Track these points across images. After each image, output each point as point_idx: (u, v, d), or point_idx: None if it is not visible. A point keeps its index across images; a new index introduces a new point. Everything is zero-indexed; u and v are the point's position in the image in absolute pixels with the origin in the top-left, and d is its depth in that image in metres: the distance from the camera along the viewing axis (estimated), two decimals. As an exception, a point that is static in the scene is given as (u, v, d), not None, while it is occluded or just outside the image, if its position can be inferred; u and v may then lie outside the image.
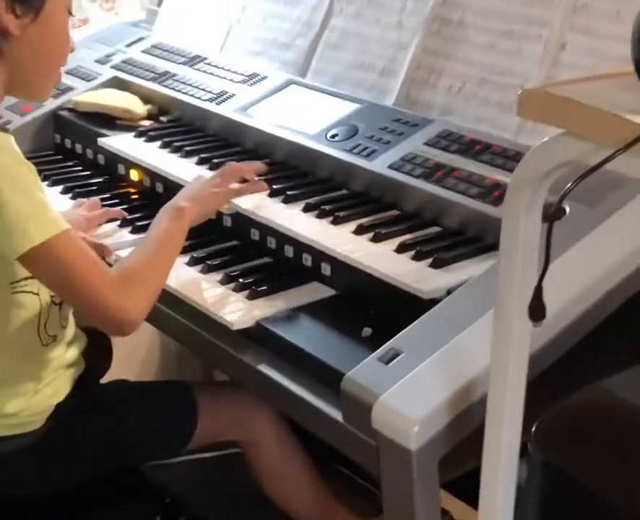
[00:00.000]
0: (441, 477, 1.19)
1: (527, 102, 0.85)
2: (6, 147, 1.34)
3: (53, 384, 1.49)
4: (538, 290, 0.90)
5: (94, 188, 1.94)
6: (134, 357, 2.20)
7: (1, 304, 1.43)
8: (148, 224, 1.71)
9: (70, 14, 1.44)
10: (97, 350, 1.70)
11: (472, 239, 1.47)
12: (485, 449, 1.02)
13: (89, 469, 1.53)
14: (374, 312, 1.41)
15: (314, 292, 1.51)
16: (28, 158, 2.06)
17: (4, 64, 1.37)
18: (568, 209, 1.39)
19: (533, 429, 0.97)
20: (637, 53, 0.81)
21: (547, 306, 0.92)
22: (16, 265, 1.39)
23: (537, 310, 0.91)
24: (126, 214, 1.77)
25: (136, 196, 1.91)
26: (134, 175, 1.92)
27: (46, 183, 1.96)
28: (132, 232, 1.73)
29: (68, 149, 2.13)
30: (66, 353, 1.52)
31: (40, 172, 1.98)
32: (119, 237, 1.72)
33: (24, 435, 1.47)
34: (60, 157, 2.13)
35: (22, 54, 1.37)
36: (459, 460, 1.20)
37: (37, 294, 1.46)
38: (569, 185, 0.81)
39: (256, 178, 1.67)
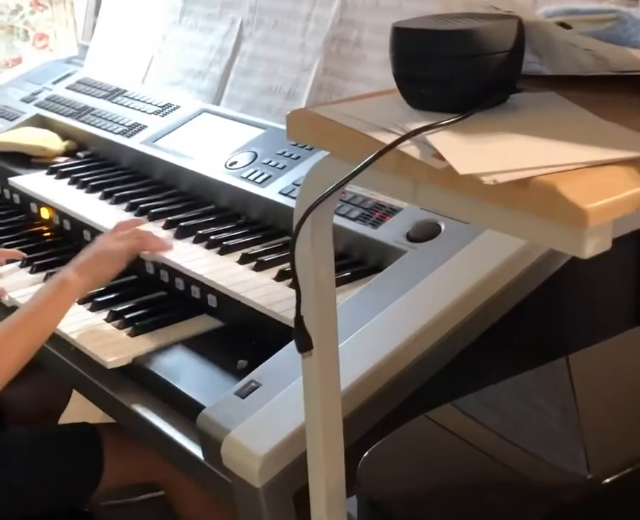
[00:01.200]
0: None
1: (294, 123, 0.82)
2: None
3: None
4: (298, 319, 0.86)
5: (7, 227, 1.92)
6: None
7: None
8: (48, 263, 1.71)
9: None
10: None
11: (356, 263, 1.43)
12: (310, 490, 0.98)
13: None
14: (255, 343, 1.38)
15: (202, 324, 1.48)
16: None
17: None
18: (443, 227, 1.35)
19: (359, 465, 0.93)
20: (394, 68, 0.77)
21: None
22: None
23: (300, 341, 0.87)
24: (23, 254, 1.74)
25: (47, 234, 1.89)
26: (45, 213, 1.90)
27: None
28: (31, 271, 1.70)
29: (-12, 190, 2.11)
30: None
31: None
32: (17, 277, 1.69)
33: None
34: (-23, 198, 2.11)
35: None
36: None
37: None
38: (312, 203, 0.77)
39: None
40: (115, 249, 1.52)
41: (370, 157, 0.69)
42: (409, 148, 0.68)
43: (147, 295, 1.58)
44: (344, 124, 0.75)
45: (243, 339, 1.41)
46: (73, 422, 1.69)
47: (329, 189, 0.74)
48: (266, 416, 1.13)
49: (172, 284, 1.57)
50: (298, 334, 0.87)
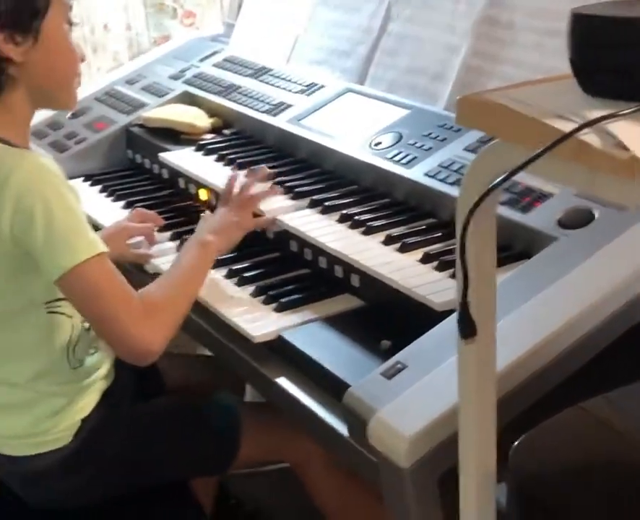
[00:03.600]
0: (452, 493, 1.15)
1: (464, 109, 0.81)
2: (50, 169, 1.38)
3: (79, 401, 1.50)
4: (464, 306, 0.85)
5: (157, 201, 1.97)
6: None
7: (34, 323, 1.45)
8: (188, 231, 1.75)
9: (70, 24, 1.47)
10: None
11: (502, 248, 1.41)
12: (460, 470, 0.98)
13: (124, 484, 1.55)
14: (398, 324, 1.38)
15: (344, 303, 1.49)
16: (101, 174, 2.16)
17: (20, 87, 1.42)
18: (597, 214, 1.33)
19: (510, 452, 0.92)
20: (572, 54, 0.76)
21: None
22: (53, 285, 1.43)
23: (465, 327, 0.87)
24: (162, 220, 1.79)
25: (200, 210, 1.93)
26: (201, 193, 1.94)
27: (111, 198, 2.02)
28: (178, 242, 1.75)
29: (138, 164, 2.18)
30: (93, 373, 1.53)
31: (108, 187, 2.07)
32: (162, 246, 1.75)
33: (54, 451, 1.49)
34: (131, 172, 2.18)
35: (32, 75, 1.41)
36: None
37: (70, 317, 1.49)
38: (485, 190, 0.76)
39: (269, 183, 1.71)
40: (240, 216, 1.62)
41: (548, 144, 0.68)
42: (589, 136, 0.67)
43: (290, 272, 1.61)
44: (517, 110, 0.74)
45: (385, 320, 1.41)
46: (214, 397, 1.74)
47: (504, 175, 0.74)
48: (414, 397, 1.13)
49: (315, 263, 1.59)
50: (463, 320, 0.87)
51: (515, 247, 1.41)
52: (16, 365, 1.47)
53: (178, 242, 1.76)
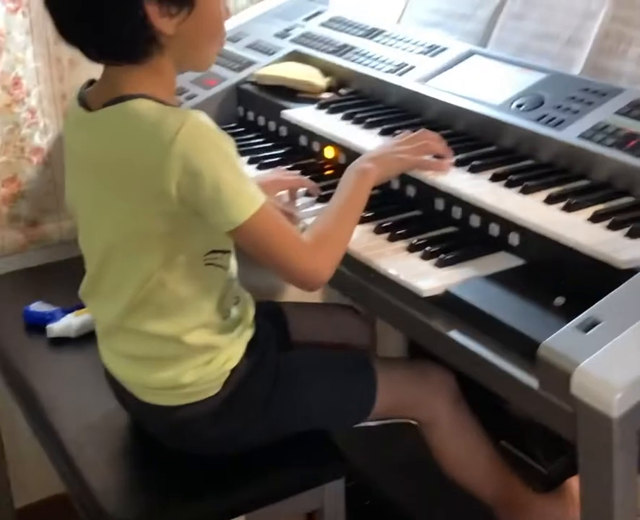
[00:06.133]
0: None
1: None
2: (211, 126, 1.39)
3: (226, 351, 1.53)
4: None
5: (279, 159, 1.99)
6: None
7: (191, 275, 1.47)
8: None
9: None
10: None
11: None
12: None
13: (268, 431, 1.58)
14: (565, 282, 1.40)
15: (502, 261, 1.50)
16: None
17: (167, 53, 1.42)
18: None
19: None
20: None
21: None
22: (210, 238, 1.45)
23: None
24: (319, 190, 1.79)
25: (325, 167, 1.94)
26: (316, 146, 1.96)
27: (233, 154, 2.03)
28: (318, 200, 1.77)
29: (251, 121, 2.19)
30: (239, 324, 1.56)
31: (225, 143, 2.07)
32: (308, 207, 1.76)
33: (203, 401, 1.52)
34: (243, 129, 2.19)
35: (180, 44, 1.42)
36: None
37: (225, 269, 1.52)
38: None
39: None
40: (406, 153, 1.65)
41: None
42: None
43: (437, 230, 1.63)
44: None
45: (550, 278, 1.43)
46: (351, 351, 1.77)
47: None
48: (616, 351, 1.16)
49: (465, 221, 1.60)
50: None
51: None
52: (172, 319, 1.49)
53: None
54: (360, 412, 1.67)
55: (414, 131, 1.71)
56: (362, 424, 1.71)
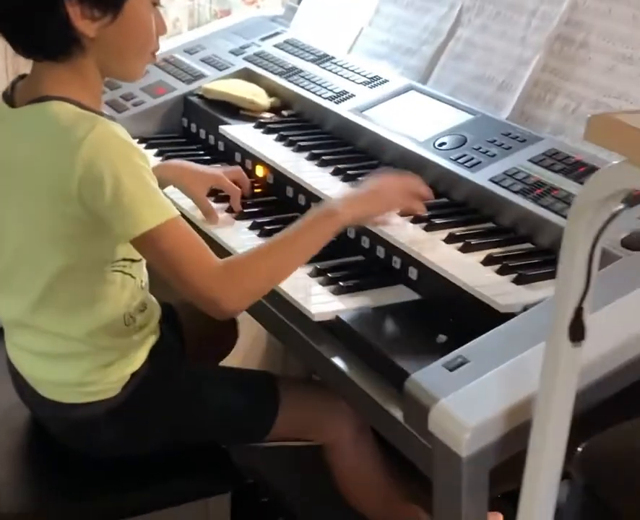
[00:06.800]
0: (497, 488, 1.19)
1: (595, 127, 0.85)
2: (120, 136, 1.39)
3: (129, 355, 1.54)
4: (578, 311, 0.89)
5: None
6: (239, 345, 2.25)
7: (97, 279, 1.49)
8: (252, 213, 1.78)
9: (156, 4, 1.47)
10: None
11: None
12: (526, 466, 1.02)
13: (163, 440, 1.59)
14: (454, 320, 1.42)
15: (399, 294, 1.53)
16: (156, 138, 2.19)
17: (89, 56, 1.43)
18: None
19: (578, 451, 0.96)
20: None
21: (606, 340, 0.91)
22: (119, 246, 1.46)
23: (576, 331, 0.91)
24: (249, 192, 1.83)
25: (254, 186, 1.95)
26: (249, 164, 1.98)
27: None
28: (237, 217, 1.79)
29: (193, 133, 2.21)
30: (143, 330, 1.57)
31: (163, 152, 2.10)
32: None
33: (102, 401, 1.53)
34: (184, 140, 2.22)
35: (101, 49, 1.42)
36: (516, 473, 1.20)
37: (134, 277, 1.53)
38: (619, 207, 0.80)
39: None
40: (391, 198, 1.57)
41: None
42: None
43: (346, 257, 1.65)
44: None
45: (440, 315, 1.45)
46: (255, 369, 1.78)
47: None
48: (476, 391, 1.17)
49: (372, 251, 1.62)
50: (576, 325, 0.91)
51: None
52: (75, 319, 1.50)
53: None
54: (260, 431, 1.68)
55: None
56: (268, 443, 1.73)
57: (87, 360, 1.52)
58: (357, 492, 1.74)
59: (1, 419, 1.68)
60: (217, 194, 1.84)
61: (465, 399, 1.17)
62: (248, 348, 2.60)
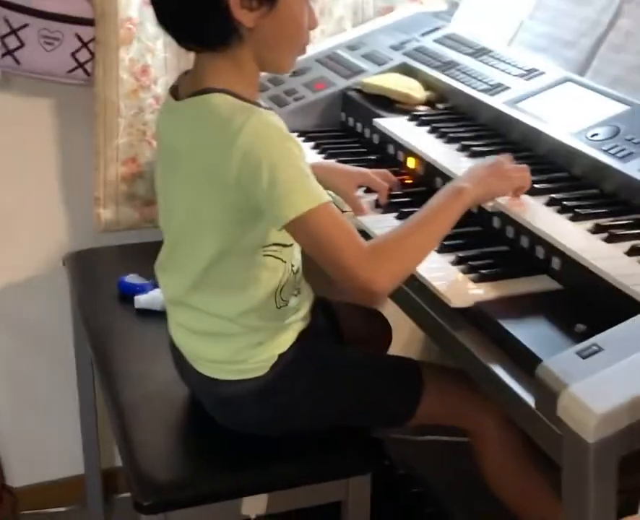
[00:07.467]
0: (627, 479, 1.17)
1: None
2: (275, 125, 1.46)
3: (278, 337, 1.61)
4: None
5: (367, 165, 2.02)
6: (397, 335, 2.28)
7: (250, 264, 1.56)
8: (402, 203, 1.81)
9: None
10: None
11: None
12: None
13: (308, 420, 1.65)
14: (595, 310, 1.40)
15: (541, 283, 1.51)
16: (314, 132, 2.26)
17: (246, 47, 1.50)
18: None
19: None
20: None
21: None
22: (271, 230, 1.52)
23: None
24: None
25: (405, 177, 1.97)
26: (401, 156, 2.00)
27: (323, 155, 2.11)
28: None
29: (350, 127, 2.26)
30: (294, 314, 1.64)
31: (320, 145, 2.16)
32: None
33: (251, 379, 1.61)
34: (342, 133, 2.26)
35: (258, 40, 1.49)
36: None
37: (284, 261, 1.59)
38: None
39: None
40: (510, 175, 1.62)
41: None
42: None
43: (491, 247, 1.65)
44: None
45: (581, 306, 1.43)
46: (400, 355, 1.80)
47: None
48: (607, 379, 1.16)
49: (516, 241, 1.62)
50: None
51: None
52: (229, 300, 1.59)
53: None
54: (403, 414, 1.71)
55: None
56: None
57: (238, 340, 1.60)
58: (501, 482, 1.73)
59: (162, 393, 1.79)
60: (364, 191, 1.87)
61: (595, 387, 1.15)
62: (407, 339, 2.63)
